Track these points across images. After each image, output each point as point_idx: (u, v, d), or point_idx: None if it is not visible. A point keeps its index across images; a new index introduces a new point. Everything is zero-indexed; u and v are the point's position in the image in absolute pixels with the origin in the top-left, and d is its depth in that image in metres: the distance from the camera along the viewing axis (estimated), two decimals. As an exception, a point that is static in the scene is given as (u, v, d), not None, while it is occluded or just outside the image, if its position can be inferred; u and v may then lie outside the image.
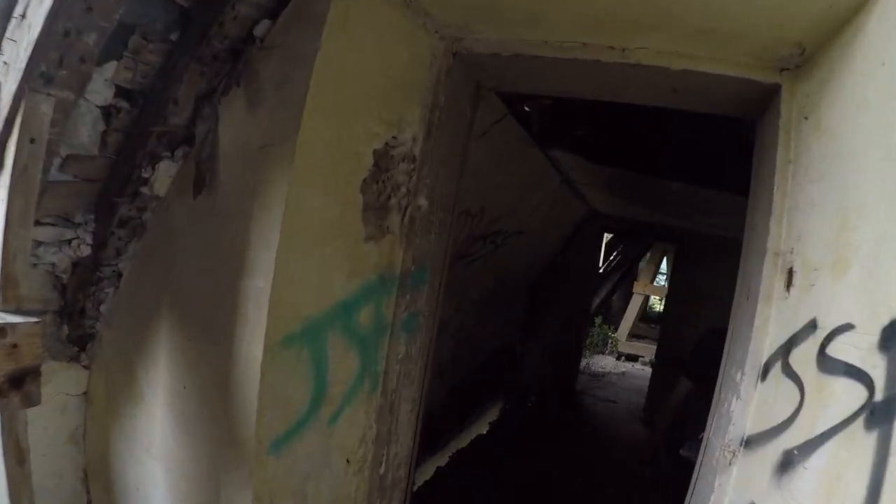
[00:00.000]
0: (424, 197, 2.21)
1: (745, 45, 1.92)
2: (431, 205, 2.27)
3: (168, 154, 2.19)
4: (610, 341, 13.69)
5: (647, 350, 14.12)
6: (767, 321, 1.92)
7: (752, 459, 1.93)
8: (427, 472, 6.03)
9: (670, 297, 8.44)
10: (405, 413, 2.45)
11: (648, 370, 12.91)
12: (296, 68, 1.78)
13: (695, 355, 3.64)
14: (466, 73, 2.34)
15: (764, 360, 1.93)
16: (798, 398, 1.70)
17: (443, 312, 5.10)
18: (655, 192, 5.10)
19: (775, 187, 1.92)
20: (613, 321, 15.72)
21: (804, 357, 1.70)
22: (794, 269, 1.82)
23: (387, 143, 2.04)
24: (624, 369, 12.49)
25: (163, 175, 2.20)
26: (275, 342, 1.75)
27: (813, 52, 1.86)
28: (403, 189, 2.14)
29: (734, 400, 2.02)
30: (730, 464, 2.02)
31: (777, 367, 1.86)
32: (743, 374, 1.97)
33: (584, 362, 11.66)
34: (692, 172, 4.32)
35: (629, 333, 14.48)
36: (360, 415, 2.18)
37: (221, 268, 1.88)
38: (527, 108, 3.72)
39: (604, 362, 12.76)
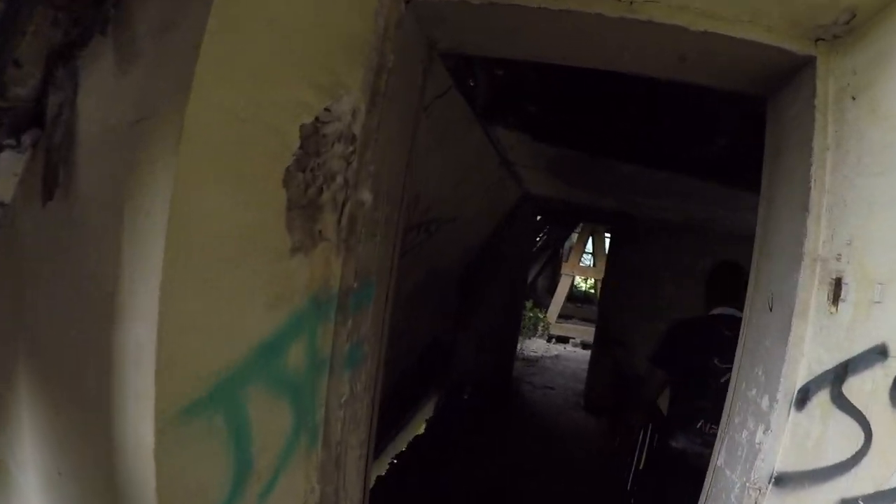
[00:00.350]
0: (368, 189, 1.66)
1: (784, 6, 1.49)
2: (376, 199, 1.73)
3: (11, 142, 1.56)
4: (541, 324, 13.51)
5: (577, 331, 14.08)
6: (802, 340, 1.53)
7: (786, 499, 1.59)
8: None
9: (608, 279, 8.22)
10: (353, 462, 1.92)
11: (581, 352, 12.84)
12: (184, 6, 1.20)
13: (666, 347, 3.33)
14: (420, 28, 1.80)
15: (798, 385, 1.55)
16: (861, 438, 1.39)
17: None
18: (602, 173, 4.74)
19: (811, 180, 1.51)
20: (540, 303, 15.61)
21: (868, 389, 1.38)
22: (845, 280, 1.44)
23: (317, 118, 1.48)
24: (556, 352, 12.33)
25: (4, 172, 1.58)
26: (171, 417, 1.14)
27: (864, 19, 1.46)
28: (340, 179, 1.58)
29: (759, 429, 1.64)
30: (755, 502, 1.65)
31: (822, 397, 1.50)
32: (773, 400, 1.58)
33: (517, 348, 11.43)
34: (646, 153, 3.97)
35: (558, 314, 14.38)
36: (298, 479, 1.63)
37: (83, 308, 1.29)
38: (472, 83, 3.22)
39: (535, 346, 12.56)
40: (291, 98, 1.39)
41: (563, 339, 13.68)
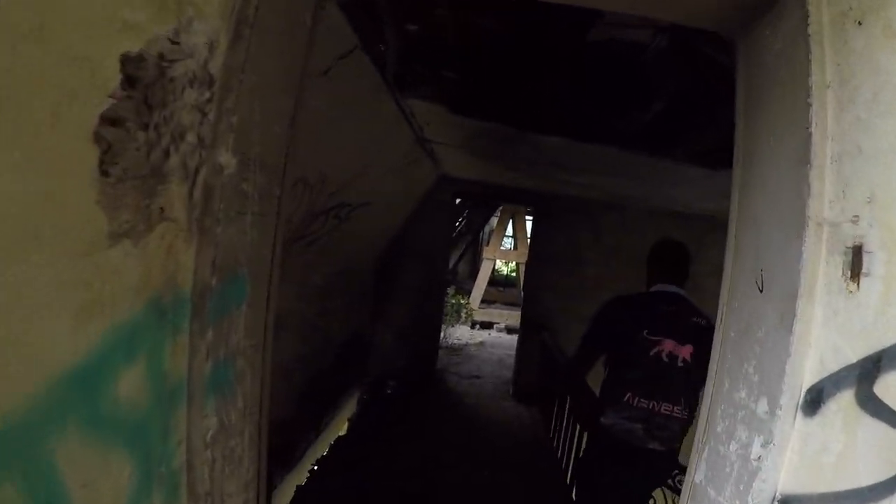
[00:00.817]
0: (228, 149, 1.21)
1: None
2: (243, 164, 1.27)
3: None
4: (464, 311, 13.26)
5: (501, 316, 13.94)
6: (810, 327, 1.19)
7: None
8: (286, 492, 5.07)
9: (531, 262, 7.99)
10: (233, 511, 1.47)
11: (506, 337, 12.69)
12: None
13: (597, 325, 3.09)
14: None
15: (807, 384, 1.21)
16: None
17: (281, 305, 4.23)
18: (526, 149, 4.42)
19: (811, 125, 1.17)
20: (462, 288, 15.38)
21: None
22: (867, 248, 1.11)
23: (162, 55, 1.04)
24: (481, 339, 12.11)
25: None
26: None
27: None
28: (192, 137, 1.14)
29: (756, 441, 1.29)
30: (755, 533, 1.31)
31: (844, 400, 1.16)
32: (774, 404, 1.24)
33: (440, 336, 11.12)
34: (574, 125, 3.67)
35: (481, 300, 14.19)
36: (151, 553, 1.19)
37: None
38: (382, 47, 2.80)
39: (459, 333, 12.29)
40: (107, 11, 0.94)
41: (487, 325, 13.50)
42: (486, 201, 13.97)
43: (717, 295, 1.95)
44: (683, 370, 2.67)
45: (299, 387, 5.17)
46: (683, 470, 2.06)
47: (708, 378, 1.57)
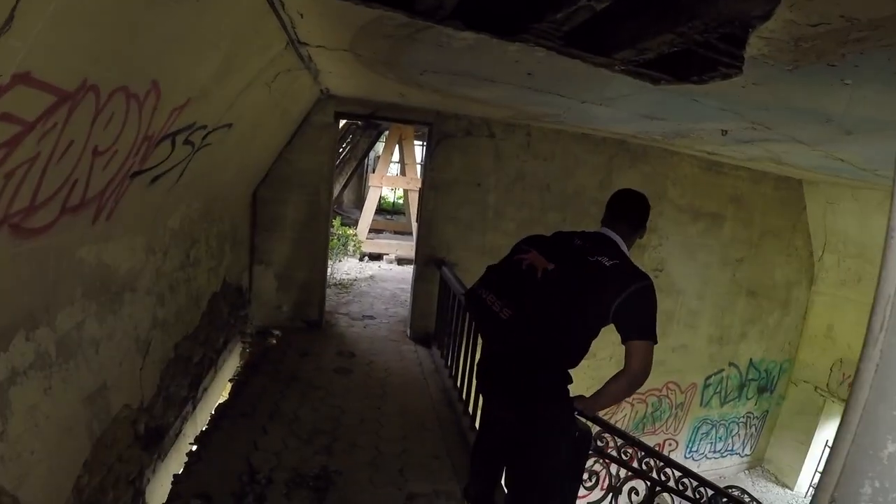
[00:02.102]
0: None
1: None
2: None
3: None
4: (351, 243, 12.33)
5: (390, 246, 13.18)
6: None
7: None
8: (161, 484, 4.22)
9: (425, 189, 7.15)
10: None
11: (396, 269, 11.97)
12: None
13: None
14: None
15: None
16: None
17: (126, 261, 3.34)
18: (426, 52, 3.52)
19: None
20: (348, 219, 14.43)
21: None
22: None
23: None
24: (371, 272, 11.31)
25: None
26: None
27: None
28: None
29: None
30: None
31: None
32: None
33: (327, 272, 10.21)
34: (497, 16, 2.82)
35: (368, 230, 13.32)
36: None
37: None
38: None
39: (347, 267, 11.42)
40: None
41: (376, 257, 12.69)
42: (374, 122, 12.90)
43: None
44: (541, 282, 2.56)
45: (161, 359, 4.19)
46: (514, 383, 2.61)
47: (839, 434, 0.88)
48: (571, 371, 2.69)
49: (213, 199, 4.89)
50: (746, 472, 11.22)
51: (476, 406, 4.56)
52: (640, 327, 2.54)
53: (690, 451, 10.56)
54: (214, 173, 4.47)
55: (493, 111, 6.34)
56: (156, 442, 4.27)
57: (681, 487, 3.66)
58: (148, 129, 2.72)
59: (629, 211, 2.90)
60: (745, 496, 9.28)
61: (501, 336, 2.63)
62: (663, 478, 3.52)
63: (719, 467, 10.90)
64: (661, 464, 3.53)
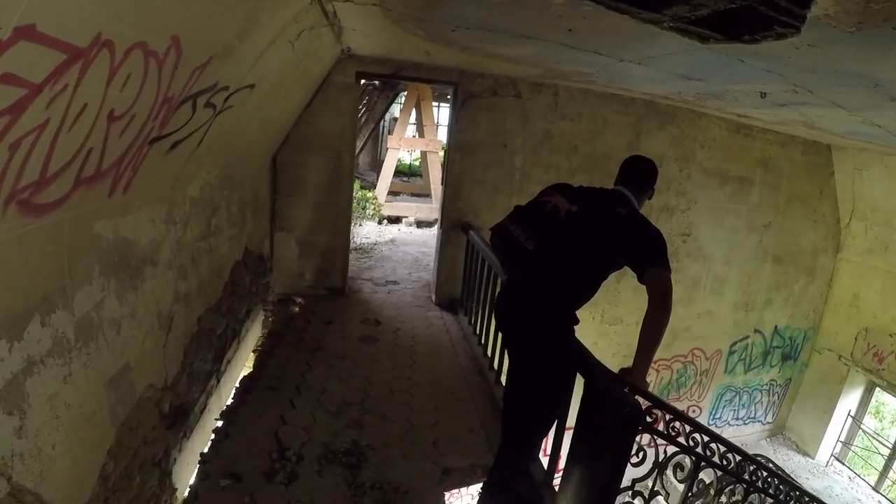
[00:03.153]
0: None
1: None
2: None
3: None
4: (370, 206, 12.10)
5: (409, 209, 12.95)
6: None
7: None
8: (187, 464, 4.14)
9: (450, 151, 6.86)
10: None
11: (416, 231, 11.76)
12: None
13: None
14: None
15: None
16: None
17: (147, 234, 3.20)
18: (463, 4, 3.23)
19: None
20: (364, 181, 14.18)
21: None
22: None
23: None
24: (391, 235, 11.10)
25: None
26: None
27: None
28: None
29: None
30: None
31: None
32: None
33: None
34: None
35: (388, 192, 13.07)
36: None
37: None
38: None
39: (367, 231, 11.22)
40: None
41: (395, 220, 12.47)
42: (391, 83, 12.54)
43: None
44: (565, 224, 2.88)
45: (184, 334, 4.02)
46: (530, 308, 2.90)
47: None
48: (580, 311, 3.00)
49: (232, 164, 4.67)
50: (768, 439, 11.07)
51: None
52: (652, 257, 2.77)
53: (714, 418, 10.43)
54: (235, 137, 4.24)
55: (520, 70, 6.02)
56: (181, 420, 4.13)
57: (724, 462, 3.49)
58: (168, 90, 2.48)
59: (640, 174, 3.19)
60: (770, 465, 9.14)
61: (525, 264, 2.90)
62: (708, 453, 3.34)
63: (741, 434, 10.77)
64: (707, 438, 3.35)
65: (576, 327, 3.01)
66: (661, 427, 3.00)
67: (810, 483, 9.74)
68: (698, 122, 8.13)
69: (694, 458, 3.28)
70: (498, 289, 4.74)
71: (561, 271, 2.84)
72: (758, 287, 9.79)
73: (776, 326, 10.26)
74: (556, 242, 2.85)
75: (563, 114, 7.22)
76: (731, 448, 3.56)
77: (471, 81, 6.63)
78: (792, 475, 9.65)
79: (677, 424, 3.07)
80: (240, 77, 3.29)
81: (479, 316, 5.64)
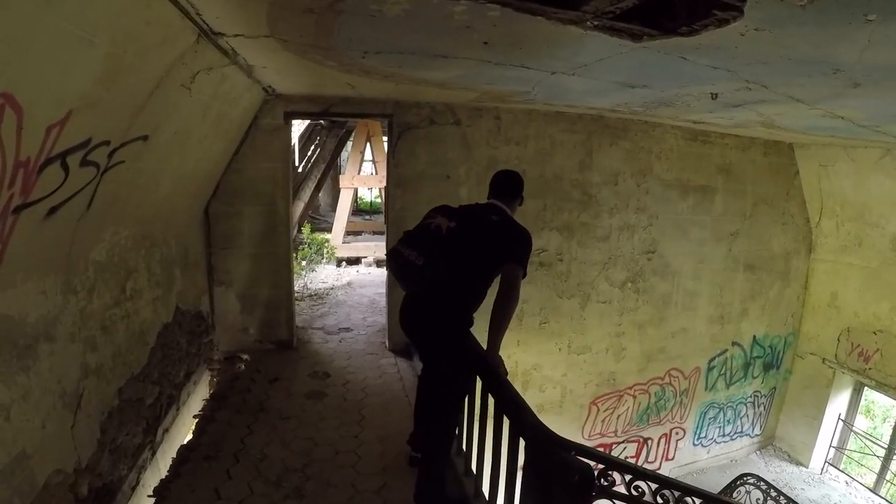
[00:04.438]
0: None
1: None
2: None
3: None
4: (326, 250, 11.78)
5: (368, 248, 12.66)
6: None
7: None
8: None
9: (391, 186, 6.60)
10: None
11: (375, 272, 11.44)
12: None
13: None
14: None
15: None
16: None
17: (33, 310, 2.93)
18: (357, 24, 3.01)
19: None
20: (326, 222, 13.91)
21: None
22: None
23: None
24: (348, 278, 10.78)
25: None
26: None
27: None
28: None
29: None
30: None
31: None
32: None
33: (300, 283, 9.66)
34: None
35: (345, 233, 12.76)
36: None
37: None
38: None
39: (324, 275, 10.89)
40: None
41: (354, 261, 12.15)
42: (338, 121, 12.35)
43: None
44: (446, 240, 3.34)
45: (98, 409, 3.67)
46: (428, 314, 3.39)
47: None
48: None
49: (148, 221, 4.36)
50: (758, 452, 10.84)
51: (465, 423, 4.10)
52: (513, 255, 3.31)
53: (699, 438, 10.17)
54: (141, 194, 3.94)
55: (455, 95, 5.83)
56: (106, 502, 3.76)
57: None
58: (18, 152, 2.20)
59: (507, 186, 3.66)
60: (762, 483, 8.89)
61: (417, 278, 3.34)
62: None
63: (730, 451, 10.53)
64: (679, 493, 3.07)
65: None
66: (621, 488, 2.74)
67: (806, 493, 9.51)
68: (652, 134, 8.01)
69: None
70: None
71: (448, 281, 3.31)
72: (731, 298, 9.62)
73: (755, 336, 10.10)
74: (441, 256, 3.30)
75: (508, 137, 7.04)
76: (707, 498, 3.33)
77: (406, 112, 6.42)
78: (786, 487, 9.43)
79: (640, 483, 2.79)
80: (122, 129, 3.00)
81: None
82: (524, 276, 3.31)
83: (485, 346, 3.49)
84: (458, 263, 3.30)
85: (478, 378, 3.64)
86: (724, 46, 3.03)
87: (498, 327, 3.35)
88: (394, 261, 3.47)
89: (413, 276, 3.33)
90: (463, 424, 4.14)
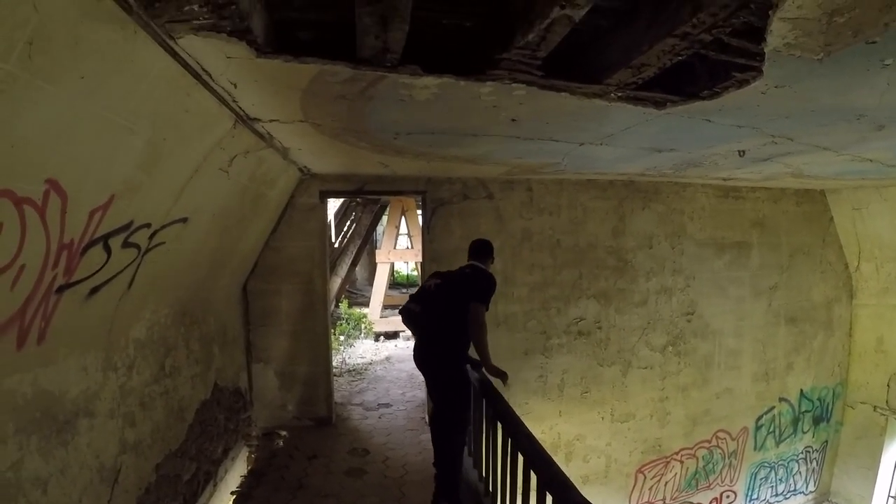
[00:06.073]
0: None
1: None
2: None
3: None
4: (363, 325, 11.83)
5: (405, 322, 12.63)
6: None
7: None
8: None
9: (426, 260, 6.70)
10: None
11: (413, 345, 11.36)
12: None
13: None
14: None
15: None
16: None
17: (73, 385, 2.98)
18: (387, 109, 3.14)
19: None
20: (364, 296, 14.02)
21: None
22: None
23: None
24: (387, 353, 10.76)
25: None
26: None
27: None
28: None
29: None
30: None
31: None
32: None
33: (338, 359, 9.68)
34: (455, 54, 2.44)
35: (382, 307, 12.83)
36: None
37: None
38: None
39: (363, 350, 10.90)
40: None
41: (392, 335, 12.16)
42: (365, 198, 12.64)
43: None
44: (434, 293, 4.30)
45: (136, 485, 3.69)
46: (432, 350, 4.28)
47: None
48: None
49: (187, 300, 4.48)
50: (814, 509, 10.23)
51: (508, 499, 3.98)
52: (477, 294, 4.16)
53: (751, 500, 9.64)
54: (180, 273, 4.07)
55: (487, 170, 5.95)
56: None
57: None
58: (62, 235, 2.32)
59: (480, 250, 4.64)
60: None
61: (420, 325, 4.35)
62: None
63: (784, 510, 9.97)
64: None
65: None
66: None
67: (866, 546, 8.88)
68: (683, 194, 7.98)
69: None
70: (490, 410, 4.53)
71: (437, 322, 4.24)
72: (775, 353, 9.28)
73: (802, 390, 9.65)
74: (430, 304, 4.30)
75: (541, 208, 7.11)
76: None
77: (438, 188, 6.56)
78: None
79: None
80: (163, 212, 3.15)
81: (472, 437, 5.23)
82: (486, 308, 4.16)
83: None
84: (442, 311, 4.21)
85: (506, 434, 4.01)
86: (747, 105, 3.06)
87: (482, 351, 4.20)
88: (404, 314, 4.49)
89: (415, 321, 4.36)
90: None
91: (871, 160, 5.23)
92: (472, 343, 4.22)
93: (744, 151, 4.67)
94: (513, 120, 3.44)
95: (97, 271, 2.78)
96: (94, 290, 2.86)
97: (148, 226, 3.06)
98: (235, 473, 5.90)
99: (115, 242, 2.80)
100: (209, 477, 5.14)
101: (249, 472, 5.78)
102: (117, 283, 3.07)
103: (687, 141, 4.31)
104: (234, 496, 5.39)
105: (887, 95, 2.92)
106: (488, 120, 3.45)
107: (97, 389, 3.21)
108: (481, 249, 4.66)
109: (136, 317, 3.64)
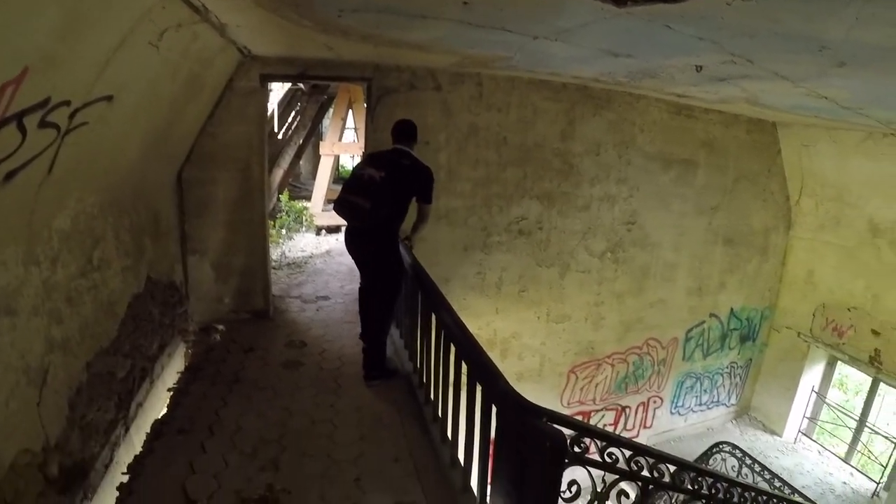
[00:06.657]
0: None
1: None
2: None
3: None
4: (305, 218, 11.57)
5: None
6: None
7: None
8: None
9: (369, 150, 6.43)
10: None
11: (355, 241, 11.23)
12: None
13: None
14: None
15: None
16: None
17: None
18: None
19: None
20: (305, 190, 13.67)
21: None
22: None
23: None
24: (328, 247, 10.60)
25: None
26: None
27: None
28: None
29: None
30: None
31: None
32: None
33: (278, 252, 9.49)
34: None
35: (325, 201, 12.53)
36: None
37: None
38: None
39: (303, 243, 10.70)
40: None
41: (334, 230, 11.95)
42: (320, 86, 12.03)
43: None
44: (376, 183, 4.35)
45: (67, 385, 3.53)
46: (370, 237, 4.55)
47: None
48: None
49: (115, 187, 4.17)
50: (734, 421, 11.06)
51: (440, 390, 4.04)
52: (426, 195, 4.65)
53: (676, 407, 10.33)
54: (107, 158, 3.75)
55: (436, 59, 5.66)
56: (78, 481, 3.63)
57: (678, 482, 3.22)
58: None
59: (407, 133, 4.69)
60: (737, 451, 9.06)
61: (361, 217, 4.37)
62: (656, 475, 3.04)
63: (706, 419, 10.71)
64: (653, 461, 3.04)
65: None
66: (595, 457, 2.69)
67: (780, 461, 9.74)
68: (636, 106, 7.92)
69: (640, 484, 2.99)
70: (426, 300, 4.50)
71: (386, 213, 4.39)
72: (710, 271, 9.69)
73: (732, 308, 10.22)
74: (378, 198, 4.32)
75: (490, 104, 6.90)
76: (681, 465, 3.31)
77: (386, 76, 6.25)
78: (761, 455, 9.64)
79: (614, 450, 2.74)
80: (84, 88, 2.82)
81: (409, 328, 5.25)
82: (430, 202, 4.71)
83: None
84: (390, 202, 4.40)
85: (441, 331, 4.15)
86: (710, 16, 2.92)
87: (416, 231, 5.01)
88: (345, 208, 4.47)
89: (362, 215, 4.36)
90: (438, 391, 4.19)
91: (826, 98, 5.23)
92: (415, 226, 4.93)
93: (701, 67, 4.56)
94: (465, 3, 3.19)
95: (12, 153, 2.48)
96: (10, 175, 2.58)
97: (68, 103, 2.74)
98: (172, 370, 5.79)
99: (31, 121, 2.50)
100: (145, 374, 5.02)
101: (186, 367, 5.68)
102: (36, 168, 2.78)
103: (645, 48, 4.17)
104: (171, 392, 5.30)
105: (854, 31, 2.82)
106: (439, 0, 3.20)
107: (18, 285, 2.96)
108: (407, 131, 4.69)
109: (59, 206, 3.36)
